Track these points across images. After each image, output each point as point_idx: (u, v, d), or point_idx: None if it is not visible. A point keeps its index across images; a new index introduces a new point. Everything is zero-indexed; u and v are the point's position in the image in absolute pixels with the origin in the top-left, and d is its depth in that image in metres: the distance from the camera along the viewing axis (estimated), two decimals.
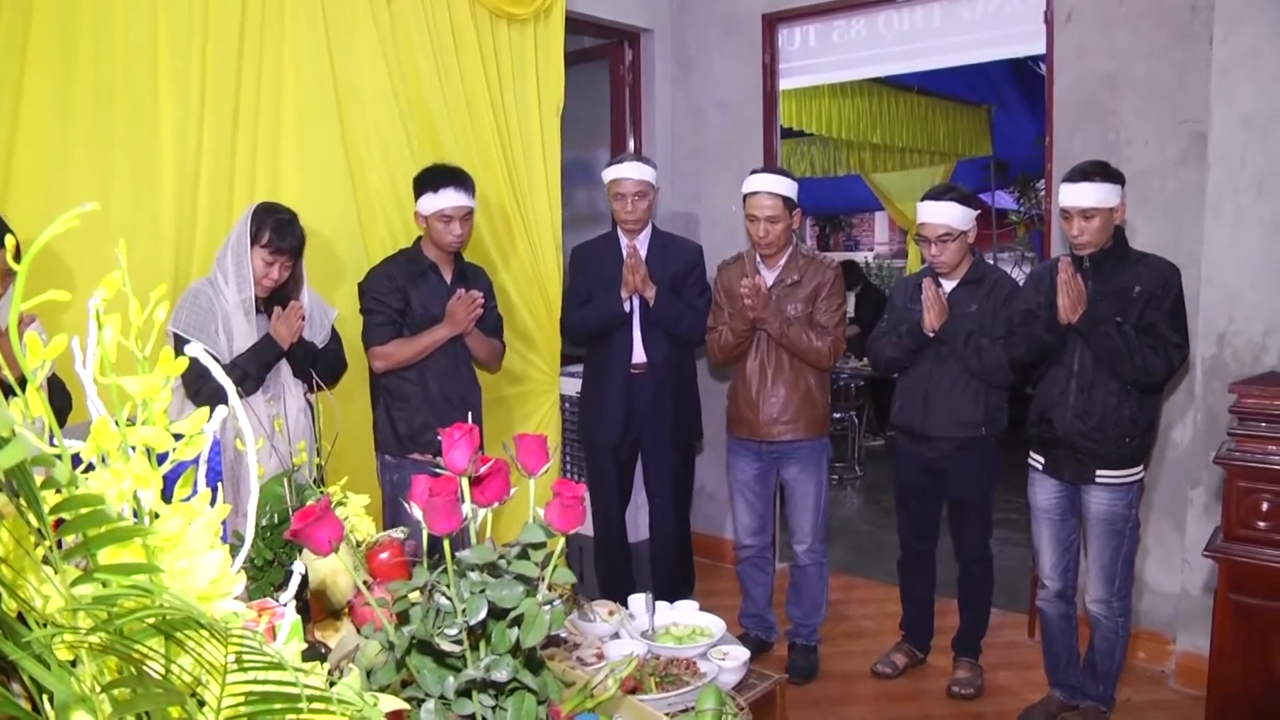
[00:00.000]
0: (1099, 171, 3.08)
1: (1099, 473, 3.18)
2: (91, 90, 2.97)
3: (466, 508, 1.20)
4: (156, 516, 0.77)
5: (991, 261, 3.98)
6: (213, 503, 0.82)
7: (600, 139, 5.18)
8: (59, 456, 0.64)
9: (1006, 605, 4.22)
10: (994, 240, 10.18)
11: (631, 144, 5.03)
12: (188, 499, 0.79)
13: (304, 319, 3.09)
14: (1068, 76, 3.85)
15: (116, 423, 0.69)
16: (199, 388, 2.83)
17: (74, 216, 0.62)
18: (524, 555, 1.20)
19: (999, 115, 8.98)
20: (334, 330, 3.31)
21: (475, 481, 1.23)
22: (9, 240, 0.82)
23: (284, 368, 3.10)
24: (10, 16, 2.80)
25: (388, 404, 3.51)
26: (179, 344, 2.88)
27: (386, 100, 3.70)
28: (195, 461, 0.82)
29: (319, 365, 3.14)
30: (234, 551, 0.90)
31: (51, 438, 0.70)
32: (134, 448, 0.71)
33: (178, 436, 0.77)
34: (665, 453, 3.98)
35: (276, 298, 3.09)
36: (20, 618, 0.75)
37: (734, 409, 3.84)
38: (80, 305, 0.70)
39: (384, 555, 1.84)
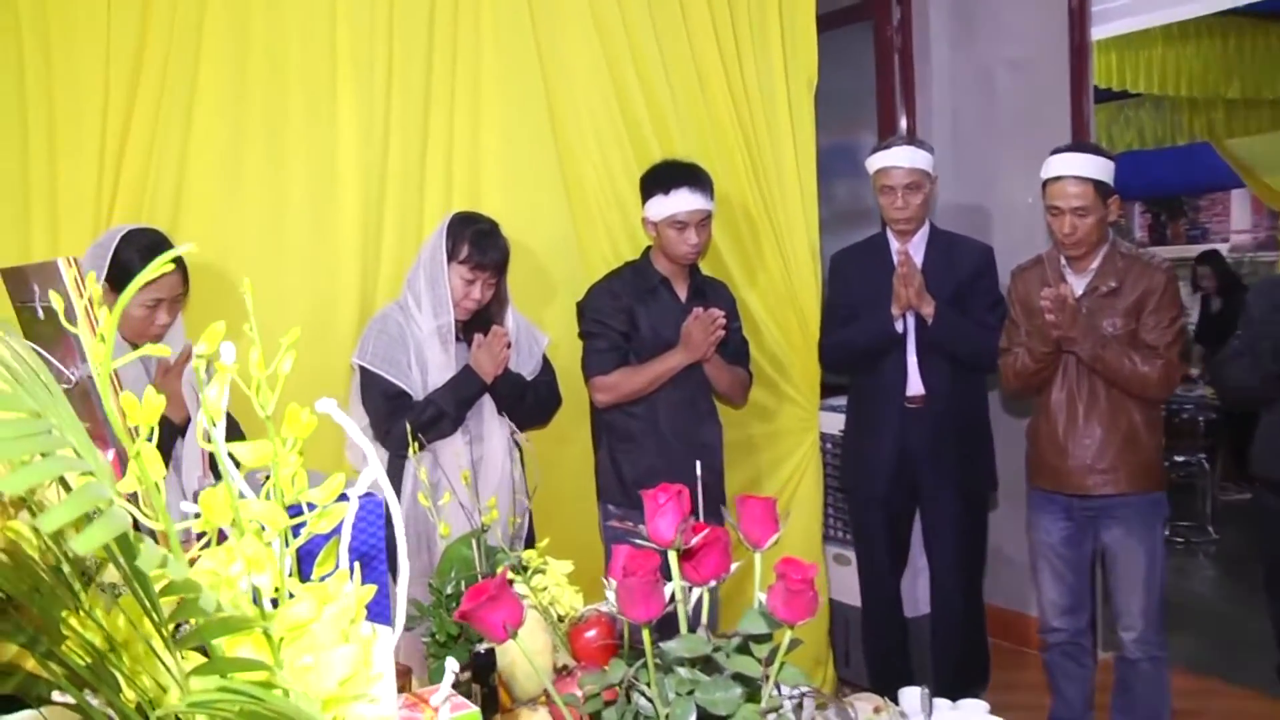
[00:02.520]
0: None
1: None
2: (264, 85, 3.20)
3: (675, 586, 1.18)
4: (292, 597, 0.78)
5: None
6: (364, 581, 0.83)
7: (864, 119, 5.12)
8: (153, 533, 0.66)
9: None
10: None
11: (903, 124, 4.94)
12: (326, 577, 0.81)
13: (509, 346, 3.17)
14: None
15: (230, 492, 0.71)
16: (388, 429, 2.96)
17: (166, 260, 0.64)
18: (744, 649, 1.17)
19: None
20: (545, 359, 3.39)
21: (687, 554, 1.21)
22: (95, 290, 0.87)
23: (487, 404, 3.19)
24: (185, 12, 3.06)
25: (611, 445, 3.57)
26: (367, 379, 3.04)
27: (602, 83, 3.77)
28: (336, 532, 0.83)
29: (528, 400, 3.22)
30: (412, 625, 0.92)
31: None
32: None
33: (312, 506, 0.79)
34: (949, 506, 3.87)
35: (477, 322, 3.19)
36: (140, 709, 0.78)
37: (1036, 453, 3.66)
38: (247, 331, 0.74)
39: (590, 634, 1.85)
